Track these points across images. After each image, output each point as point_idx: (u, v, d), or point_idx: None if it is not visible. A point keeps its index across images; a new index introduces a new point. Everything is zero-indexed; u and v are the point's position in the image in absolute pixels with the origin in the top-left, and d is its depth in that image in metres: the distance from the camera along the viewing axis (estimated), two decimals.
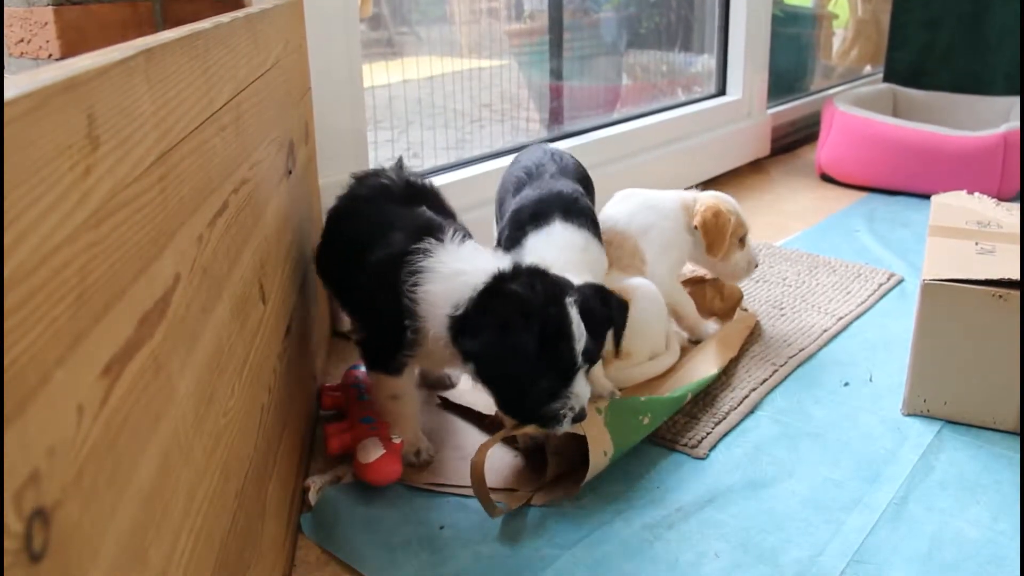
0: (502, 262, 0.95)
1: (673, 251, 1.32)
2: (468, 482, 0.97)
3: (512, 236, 1.14)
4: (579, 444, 1.00)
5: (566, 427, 0.94)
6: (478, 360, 0.91)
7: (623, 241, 1.28)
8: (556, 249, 1.09)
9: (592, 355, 0.95)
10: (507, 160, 1.71)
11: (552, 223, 1.12)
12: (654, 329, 1.22)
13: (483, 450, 0.96)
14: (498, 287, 0.91)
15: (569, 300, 0.92)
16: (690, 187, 1.48)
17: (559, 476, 1.02)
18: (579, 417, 0.94)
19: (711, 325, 1.37)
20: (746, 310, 1.42)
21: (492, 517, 0.95)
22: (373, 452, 0.98)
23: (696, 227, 1.32)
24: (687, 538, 0.91)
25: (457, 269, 0.94)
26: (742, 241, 1.35)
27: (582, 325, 0.92)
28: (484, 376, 0.93)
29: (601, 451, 0.99)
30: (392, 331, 0.96)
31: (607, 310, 0.99)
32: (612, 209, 1.35)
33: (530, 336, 0.88)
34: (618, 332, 1.04)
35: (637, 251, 1.27)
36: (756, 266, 1.39)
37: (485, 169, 1.66)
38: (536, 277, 0.93)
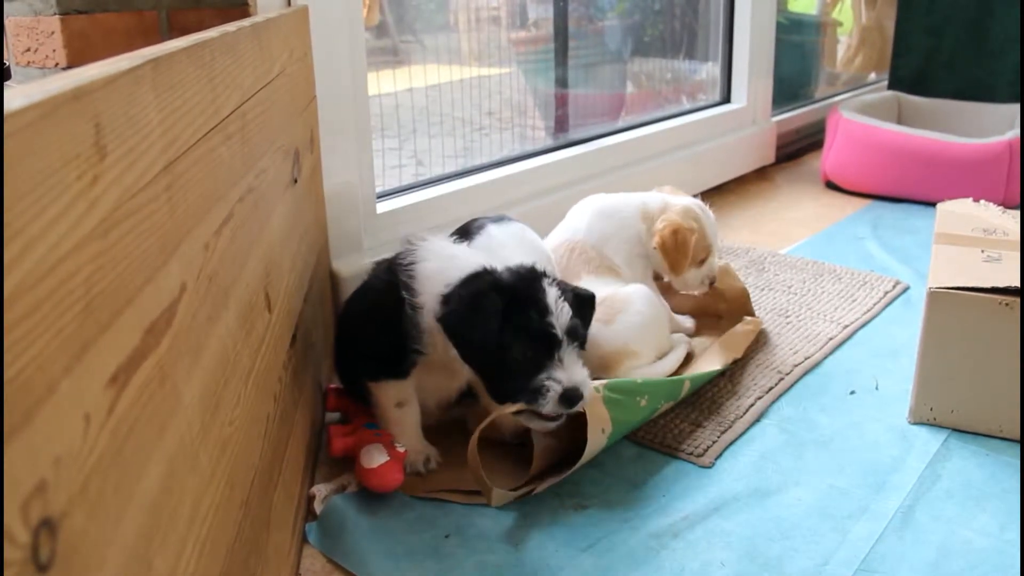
0: (491, 262, 0.99)
1: (638, 260, 1.34)
2: (466, 486, 0.98)
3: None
4: (571, 426, 0.99)
5: (551, 405, 0.92)
6: (447, 326, 0.94)
7: (586, 249, 1.30)
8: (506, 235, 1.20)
9: (580, 337, 0.97)
10: (512, 168, 1.72)
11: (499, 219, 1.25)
12: (657, 329, 1.26)
13: (475, 435, 0.95)
14: (482, 270, 0.97)
15: (547, 281, 0.96)
16: (696, 194, 1.48)
17: (555, 463, 1.02)
18: (570, 398, 0.92)
19: (687, 319, 1.41)
20: (754, 316, 1.42)
21: (491, 504, 0.96)
22: (377, 458, 0.98)
23: (655, 247, 1.31)
24: (693, 547, 0.91)
25: (452, 253, 1.01)
26: (702, 261, 1.34)
27: (565, 304, 0.95)
28: (462, 351, 0.95)
29: (599, 428, 0.99)
30: (396, 323, 0.99)
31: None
32: (573, 216, 1.36)
33: (493, 303, 0.92)
34: (584, 324, 1.08)
35: (604, 258, 1.29)
36: (712, 284, 1.37)
37: (490, 177, 1.66)
38: (520, 267, 0.98)
